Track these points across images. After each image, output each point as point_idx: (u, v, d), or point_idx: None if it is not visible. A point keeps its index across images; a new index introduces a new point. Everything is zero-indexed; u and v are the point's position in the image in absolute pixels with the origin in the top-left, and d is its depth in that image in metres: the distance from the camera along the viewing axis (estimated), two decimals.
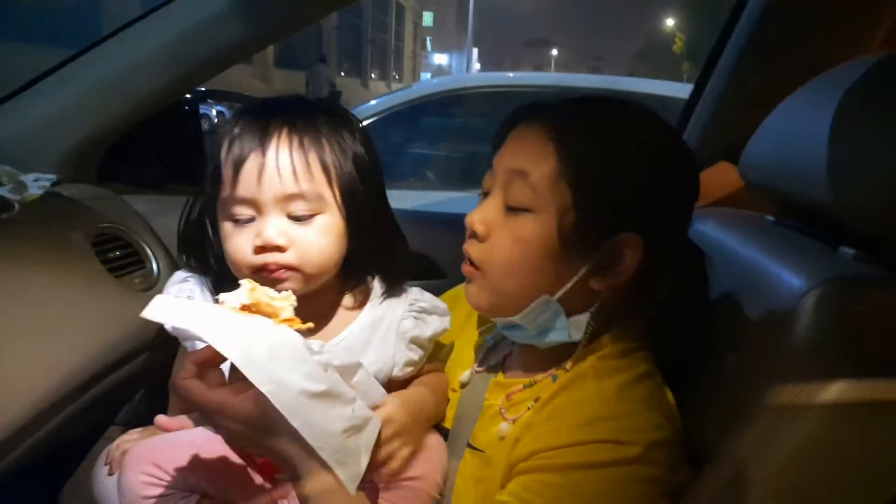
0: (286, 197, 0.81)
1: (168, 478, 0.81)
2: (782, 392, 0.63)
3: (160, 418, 0.74)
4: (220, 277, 0.88)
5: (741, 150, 1.00)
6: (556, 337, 0.81)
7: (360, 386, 0.77)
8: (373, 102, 3.58)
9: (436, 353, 0.99)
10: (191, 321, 0.65)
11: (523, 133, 0.82)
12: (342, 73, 25.17)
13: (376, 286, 0.93)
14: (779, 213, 0.97)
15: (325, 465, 0.66)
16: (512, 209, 0.80)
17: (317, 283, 0.86)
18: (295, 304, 0.71)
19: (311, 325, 0.71)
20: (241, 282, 0.71)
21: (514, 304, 0.82)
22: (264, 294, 0.70)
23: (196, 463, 0.82)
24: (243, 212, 0.82)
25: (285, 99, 0.90)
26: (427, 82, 5.82)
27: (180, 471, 0.81)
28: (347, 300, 0.92)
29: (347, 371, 0.75)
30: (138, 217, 1.29)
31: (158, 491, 0.81)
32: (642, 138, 0.80)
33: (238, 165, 0.81)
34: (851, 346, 0.64)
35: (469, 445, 0.84)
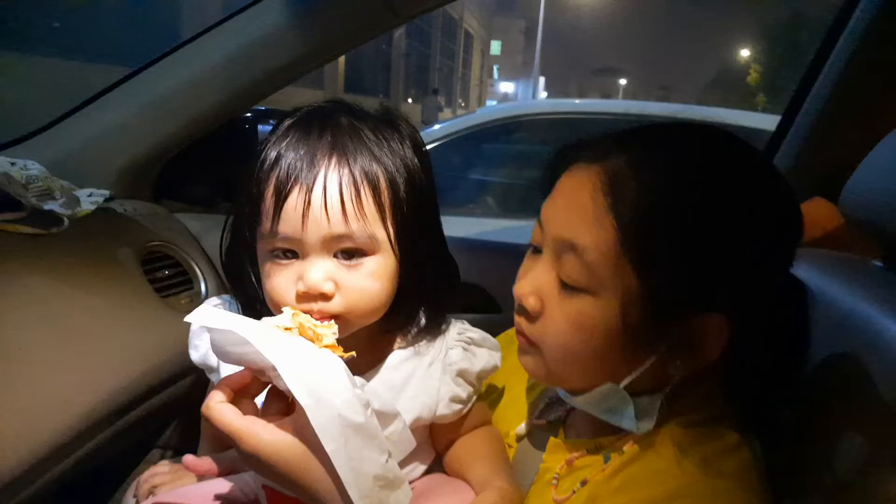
0: (334, 238, 0.71)
1: None
2: None
3: (188, 458, 0.68)
4: (263, 304, 0.80)
5: (839, 184, 0.89)
6: (621, 423, 0.71)
7: (393, 437, 0.70)
8: (436, 127, 3.58)
9: (486, 403, 0.91)
10: (235, 325, 0.61)
11: (572, 186, 0.70)
12: (409, 100, 25.68)
13: (421, 317, 0.84)
14: (889, 258, 0.84)
15: None
16: (567, 286, 0.68)
17: (357, 328, 0.77)
18: (337, 333, 0.67)
19: (353, 353, 0.65)
20: (283, 309, 0.68)
21: (574, 384, 0.73)
22: (307, 320, 0.66)
23: None
24: (285, 248, 0.73)
25: (331, 109, 0.78)
26: (491, 108, 5.81)
27: None
28: (389, 331, 0.83)
29: (385, 418, 0.69)
30: (190, 236, 1.28)
31: None
32: (724, 186, 0.65)
33: (281, 198, 0.71)
34: None
35: None
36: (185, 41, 1.22)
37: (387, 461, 0.63)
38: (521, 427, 0.85)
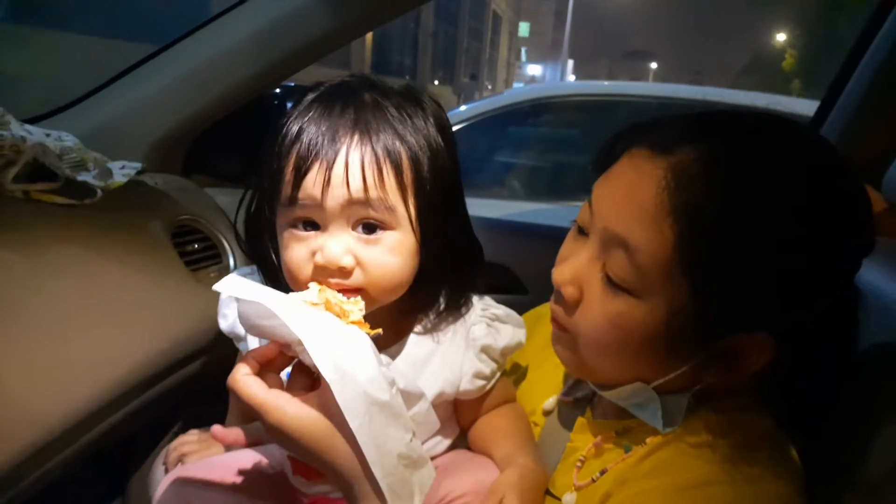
0: (353, 203, 0.70)
1: None
2: None
3: (216, 429, 0.69)
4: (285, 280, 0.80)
5: (881, 169, 0.86)
6: (650, 421, 0.69)
7: (417, 418, 0.69)
8: (462, 108, 3.55)
9: (511, 381, 0.90)
10: (263, 298, 0.61)
11: (631, 177, 0.64)
12: (435, 82, 25.54)
13: (444, 295, 0.83)
14: None
15: (377, 491, 0.60)
16: (611, 282, 0.65)
17: (380, 305, 0.76)
18: (363, 309, 0.66)
19: (379, 330, 0.65)
20: (309, 284, 0.67)
21: (604, 378, 0.72)
22: (333, 296, 0.66)
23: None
24: (305, 217, 0.72)
25: (355, 85, 0.76)
26: (518, 89, 5.75)
27: None
28: (411, 311, 0.82)
29: (409, 398, 0.68)
30: (219, 210, 1.28)
31: None
32: (803, 205, 0.59)
33: (301, 173, 0.70)
34: None
35: (547, 491, 0.74)
36: (215, 16, 1.22)
37: (411, 440, 0.63)
38: (549, 402, 0.85)
